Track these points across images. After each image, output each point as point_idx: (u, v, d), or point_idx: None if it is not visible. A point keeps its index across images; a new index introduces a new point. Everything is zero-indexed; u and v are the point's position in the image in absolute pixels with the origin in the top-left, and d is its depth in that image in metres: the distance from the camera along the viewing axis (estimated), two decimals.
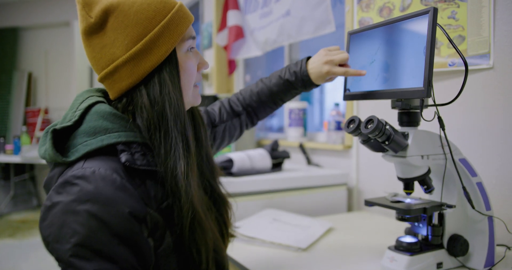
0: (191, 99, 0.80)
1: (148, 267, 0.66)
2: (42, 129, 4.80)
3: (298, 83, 1.08)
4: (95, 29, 0.71)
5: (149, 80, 0.71)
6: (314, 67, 1.06)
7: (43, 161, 3.53)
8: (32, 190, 5.05)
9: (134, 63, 0.70)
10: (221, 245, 0.84)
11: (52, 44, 5.30)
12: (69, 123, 0.69)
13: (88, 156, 0.68)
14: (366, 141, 0.97)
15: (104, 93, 0.80)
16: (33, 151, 4.03)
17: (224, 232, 0.91)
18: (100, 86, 0.80)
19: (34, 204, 5.01)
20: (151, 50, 0.70)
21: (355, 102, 1.83)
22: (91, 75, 4.46)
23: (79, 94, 0.77)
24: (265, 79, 1.14)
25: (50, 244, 0.63)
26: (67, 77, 5.18)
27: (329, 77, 1.06)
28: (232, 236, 0.96)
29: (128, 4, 0.70)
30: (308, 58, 1.10)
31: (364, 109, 1.80)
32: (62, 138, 0.70)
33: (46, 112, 4.98)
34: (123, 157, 0.67)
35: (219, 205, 0.91)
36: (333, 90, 2.73)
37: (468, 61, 1.30)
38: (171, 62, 0.72)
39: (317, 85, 1.09)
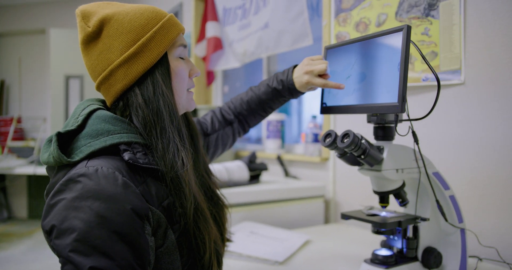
0: (185, 103, 0.84)
1: (145, 266, 0.67)
2: (14, 139, 4.66)
3: (285, 91, 1.11)
4: (93, 37, 0.76)
5: (142, 81, 0.76)
6: (297, 77, 1.09)
7: (15, 172, 3.42)
8: (3, 202, 4.88)
9: (128, 65, 0.75)
10: (219, 241, 0.86)
11: (27, 51, 5.18)
12: (72, 127, 0.72)
13: (91, 156, 0.70)
14: (342, 155, 0.98)
15: (103, 103, 0.84)
16: (5, 162, 3.91)
17: (223, 236, 0.94)
18: (90, 96, 0.87)
19: (5, 216, 4.84)
20: (144, 52, 0.75)
21: (332, 115, 1.85)
22: (66, 84, 4.38)
23: (80, 103, 0.81)
24: (254, 87, 1.17)
25: (52, 240, 0.64)
26: (41, 85, 5.07)
27: (310, 86, 1.08)
28: (229, 240, 0.98)
29: (122, 14, 0.76)
30: (295, 66, 1.12)
31: (342, 122, 1.82)
32: (65, 143, 0.73)
33: (19, 121, 4.84)
34: (126, 156, 0.70)
35: (218, 209, 0.94)
36: (311, 101, 2.76)
37: (440, 76, 1.34)
38: (162, 64, 0.77)
39: (303, 93, 1.12)
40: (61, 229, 0.62)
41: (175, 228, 0.73)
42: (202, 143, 0.99)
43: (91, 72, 0.79)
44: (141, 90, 0.75)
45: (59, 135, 0.71)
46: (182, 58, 0.82)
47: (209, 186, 0.95)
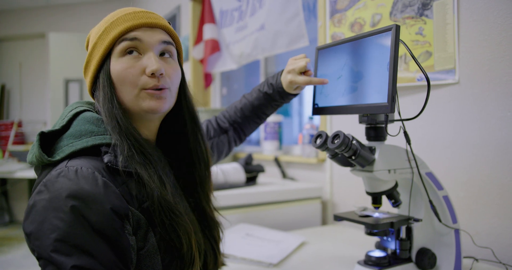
0: (141, 104, 0.76)
1: (128, 265, 0.67)
2: (15, 143, 4.67)
3: (276, 95, 1.10)
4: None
5: (96, 87, 0.79)
6: (283, 78, 1.08)
7: (16, 176, 3.42)
8: (4, 206, 4.89)
9: (85, 75, 0.82)
10: (199, 234, 0.84)
11: (27, 56, 5.20)
12: (57, 128, 0.73)
13: (72, 156, 0.70)
14: (334, 156, 0.97)
15: (92, 105, 0.84)
16: (6, 166, 3.92)
17: (217, 255, 0.92)
18: (90, 99, 0.87)
19: (6, 220, 4.85)
20: (90, 62, 0.79)
21: (328, 116, 1.84)
22: (66, 87, 4.39)
23: (69, 105, 0.82)
24: (247, 94, 1.16)
25: (32, 242, 0.63)
26: (41, 89, 5.09)
27: (295, 86, 1.07)
28: (223, 264, 0.97)
29: (96, 26, 0.80)
30: None
31: (337, 123, 1.81)
32: (51, 144, 0.73)
33: (19, 125, 4.86)
34: (106, 158, 0.70)
35: (210, 228, 0.92)
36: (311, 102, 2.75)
37: (435, 76, 1.33)
38: (103, 70, 0.77)
39: (295, 95, 1.11)
40: (41, 230, 0.62)
41: (156, 230, 0.72)
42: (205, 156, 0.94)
43: None
44: (96, 97, 0.79)
45: (42, 135, 0.72)
46: (134, 55, 0.75)
47: (202, 206, 0.92)
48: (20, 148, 4.52)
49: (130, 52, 0.76)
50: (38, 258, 0.63)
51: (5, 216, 4.87)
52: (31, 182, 4.84)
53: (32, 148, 0.73)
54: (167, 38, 0.80)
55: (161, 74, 0.75)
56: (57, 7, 5.04)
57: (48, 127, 4.80)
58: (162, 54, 0.79)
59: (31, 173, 3.64)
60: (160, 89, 0.76)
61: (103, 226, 0.63)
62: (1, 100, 5.14)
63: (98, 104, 0.77)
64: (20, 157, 4.27)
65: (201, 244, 0.82)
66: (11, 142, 4.58)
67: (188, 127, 0.89)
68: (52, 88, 4.41)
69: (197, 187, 0.92)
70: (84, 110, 0.77)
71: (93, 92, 0.80)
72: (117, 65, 0.75)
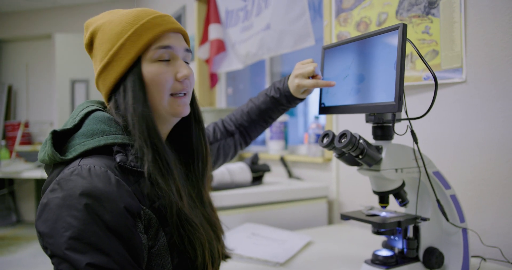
0: (168, 109, 0.79)
1: (140, 263, 0.68)
2: (22, 143, 4.70)
3: (283, 99, 1.11)
4: (88, 49, 0.82)
5: (117, 89, 0.77)
6: (290, 82, 1.09)
7: (23, 176, 3.45)
8: (12, 206, 4.92)
9: (104, 75, 0.78)
10: (214, 243, 0.84)
11: (33, 57, 5.23)
12: (69, 126, 0.74)
13: (84, 155, 0.71)
14: (341, 155, 0.97)
15: (103, 105, 0.86)
16: (13, 166, 3.95)
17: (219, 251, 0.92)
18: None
19: (13, 220, 4.89)
20: (115, 62, 0.76)
21: (334, 115, 1.84)
22: (72, 88, 4.42)
23: (80, 104, 0.83)
24: (254, 98, 1.17)
25: (45, 240, 0.64)
26: (48, 90, 5.12)
27: (303, 90, 1.07)
28: (227, 257, 0.97)
29: (107, 24, 0.78)
30: None
31: (344, 123, 1.81)
32: (62, 142, 0.74)
33: (26, 125, 4.89)
34: (118, 158, 0.70)
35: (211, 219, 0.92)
36: (317, 103, 2.75)
37: (442, 75, 1.33)
38: (134, 72, 0.76)
39: (301, 99, 1.11)
40: (55, 228, 0.62)
41: (167, 230, 0.73)
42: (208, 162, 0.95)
43: None
44: (116, 98, 0.77)
45: (54, 133, 0.73)
46: (166, 60, 0.78)
47: (206, 211, 0.91)
48: (27, 148, 4.55)
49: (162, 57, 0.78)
50: (52, 256, 0.64)
51: (12, 216, 4.91)
52: (38, 182, 4.87)
53: (43, 147, 0.73)
54: (186, 45, 0.83)
55: (187, 79, 0.80)
56: (63, 8, 5.07)
57: (55, 128, 4.83)
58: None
59: (38, 173, 3.67)
60: (185, 93, 0.81)
61: (117, 224, 0.64)
62: (8, 100, 5.17)
63: (120, 105, 0.76)
64: (27, 157, 4.30)
65: (214, 253, 0.83)
66: (18, 142, 4.61)
67: (193, 128, 0.91)
68: (58, 88, 4.44)
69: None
70: (96, 110, 0.78)
71: (113, 91, 0.78)
72: (151, 69, 0.77)
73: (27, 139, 4.85)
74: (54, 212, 0.63)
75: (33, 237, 4.14)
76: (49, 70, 5.08)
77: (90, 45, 0.81)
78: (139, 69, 0.76)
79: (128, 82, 0.76)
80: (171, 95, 0.79)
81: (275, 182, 1.93)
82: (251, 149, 2.88)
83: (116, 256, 0.63)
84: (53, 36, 5.00)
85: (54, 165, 0.73)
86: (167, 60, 0.79)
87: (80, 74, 4.38)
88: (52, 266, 0.66)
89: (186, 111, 0.82)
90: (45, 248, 0.65)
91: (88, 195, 0.64)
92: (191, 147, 0.90)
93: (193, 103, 0.90)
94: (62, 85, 4.43)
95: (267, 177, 2.02)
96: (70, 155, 0.71)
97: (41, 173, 3.66)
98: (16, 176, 3.77)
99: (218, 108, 2.96)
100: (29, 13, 5.14)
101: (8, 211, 4.90)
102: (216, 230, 0.91)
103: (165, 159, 0.75)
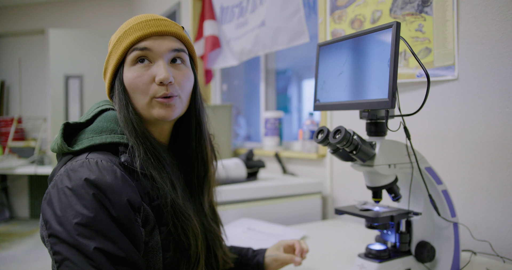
0: (150, 112, 0.79)
1: (141, 253, 0.71)
2: (15, 139, 4.68)
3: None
4: None
5: (113, 92, 0.83)
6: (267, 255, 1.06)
7: (16, 172, 3.43)
8: (5, 202, 4.90)
9: (105, 81, 0.85)
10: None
11: (27, 52, 5.19)
12: (81, 121, 0.79)
13: (91, 149, 0.74)
14: (335, 151, 0.99)
15: None
16: (6, 162, 3.93)
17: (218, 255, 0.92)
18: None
19: (7, 216, 4.87)
20: (106, 69, 0.83)
21: (328, 112, 1.86)
22: (66, 84, 4.39)
23: (96, 102, 0.87)
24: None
25: (53, 227, 0.65)
26: (41, 85, 5.09)
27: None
28: (228, 263, 0.97)
29: (114, 34, 0.83)
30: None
31: (338, 119, 1.83)
32: (73, 135, 0.79)
33: (19, 121, 4.86)
34: (122, 158, 0.74)
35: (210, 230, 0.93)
36: (311, 98, 2.77)
37: (434, 72, 1.35)
38: (117, 77, 0.80)
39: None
40: (64, 215, 0.65)
41: (162, 229, 0.75)
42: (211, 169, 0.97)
43: None
44: (113, 101, 0.83)
45: (66, 125, 0.77)
46: (144, 63, 0.78)
47: (208, 222, 0.92)
48: (20, 144, 4.53)
49: (142, 61, 0.78)
50: (55, 244, 0.64)
51: (5, 212, 4.89)
52: (31, 178, 4.86)
53: (56, 138, 0.77)
54: (177, 45, 0.81)
55: (170, 82, 0.77)
56: (57, 3, 5.03)
57: (48, 123, 4.81)
58: (174, 61, 0.81)
59: (31, 169, 3.66)
60: (169, 97, 0.78)
61: (120, 215, 0.67)
62: (1, 96, 5.14)
63: (115, 108, 0.81)
64: (20, 153, 4.28)
65: (204, 245, 0.84)
66: (11, 138, 4.59)
67: (193, 133, 0.90)
68: (52, 84, 4.40)
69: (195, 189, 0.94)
70: (109, 109, 0.82)
71: (111, 96, 0.85)
72: (129, 73, 0.79)
73: (20, 135, 4.83)
74: (63, 201, 0.66)
75: (27, 233, 4.13)
76: (42, 66, 5.05)
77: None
78: (120, 74, 0.79)
79: (115, 87, 0.81)
80: (155, 98, 0.78)
81: (270, 178, 1.94)
82: (246, 145, 2.89)
83: (122, 244, 0.66)
84: (47, 31, 4.96)
85: (63, 155, 0.77)
86: (147, 64, 0.78)
87: (74, 70, 4.35)
88: (44, 262, 0.66)
89: (170, 114, 0.79)
90: (48, 237, 0.66)
91: (95, 185, 0.67)
92: (190, 153, 0.90)
93: (193, 104, 0.87)
94: (56, 81, 4.39)
95: (262, 173, 2.04)
96: (76, 147, 0.74)
97: (35, 169, 3.65)
98: (9, 172, 3.76)
99: (213, 104, 2.96)
100: (22, 7, 5.10)
101: (1, 207, 4.89)
102: (214, 238, 0.91)
103: (156, 155, 0.78)
